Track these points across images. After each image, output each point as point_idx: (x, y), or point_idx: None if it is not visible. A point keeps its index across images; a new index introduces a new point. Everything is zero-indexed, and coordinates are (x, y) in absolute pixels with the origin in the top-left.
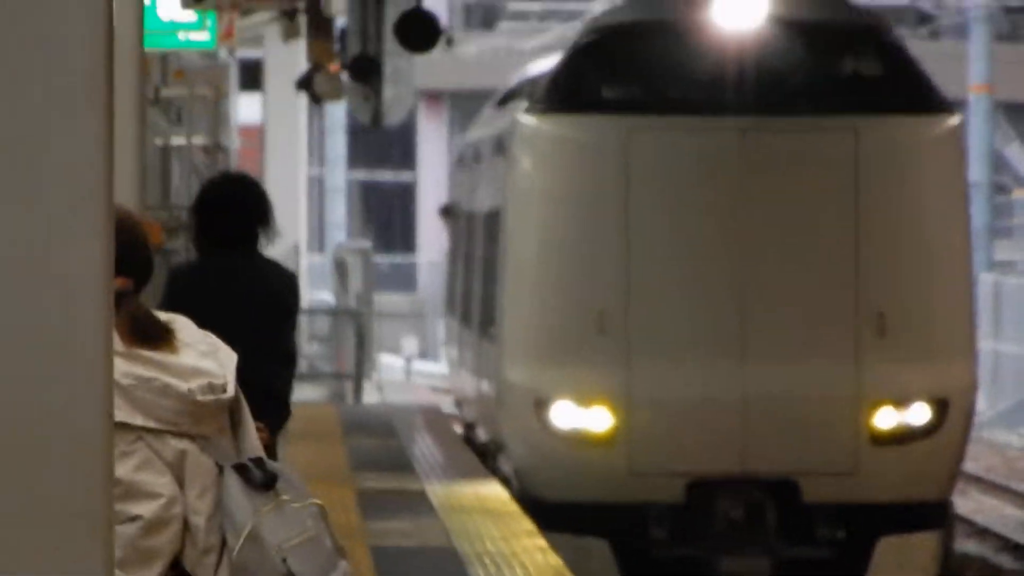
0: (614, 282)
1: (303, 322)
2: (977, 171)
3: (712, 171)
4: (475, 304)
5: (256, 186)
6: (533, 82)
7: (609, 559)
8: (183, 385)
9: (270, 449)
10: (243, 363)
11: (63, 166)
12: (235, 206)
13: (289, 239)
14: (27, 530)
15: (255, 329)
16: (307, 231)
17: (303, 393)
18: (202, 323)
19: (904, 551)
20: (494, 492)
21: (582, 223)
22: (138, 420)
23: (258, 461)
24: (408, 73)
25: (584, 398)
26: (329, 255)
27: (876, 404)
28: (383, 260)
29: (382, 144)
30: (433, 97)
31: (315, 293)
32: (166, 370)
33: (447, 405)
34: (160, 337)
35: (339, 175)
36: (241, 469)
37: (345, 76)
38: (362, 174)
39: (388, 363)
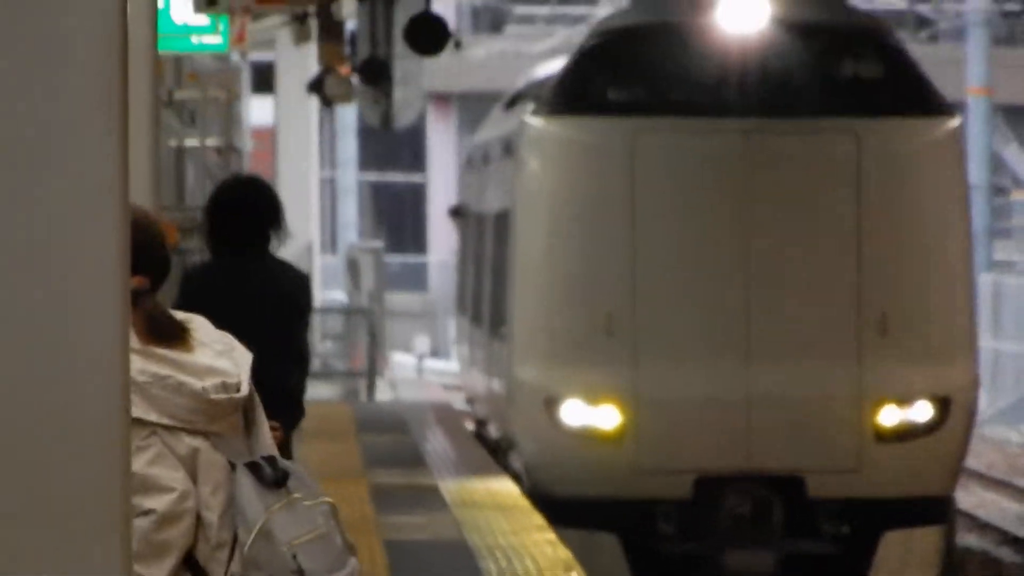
0: (621, 283)
1: (316, 321)
2: (976, 173)
3: (716, 172)
4: (485, 304)
5: (267, 188)
6: (540, 85)
7: (618, 554)
8: (197, 383)
9: (284, 447)
10: (257, 363)
11: (79, 167)
12: (247, 208)
13: (302, 240)
14: (45, 525)
15: (268, 329)
16: (319, 232)
17: (317, 391)
18: (215, 324)
19: (908, 546)
20: (505, 488)
21: (589, 224)
22: (152, 416)
23: (270, 459)
24: (417, 76)
25: (593, 396)
26: (341, 255)
27: (879, 402)
28: (394, 260)
29: (392, 146)
30: (442, 99)
31: (328, 293)
32: (181, 368)
33: (459, 402)
34: (176, 336)
35: (350, 176)
36: (253, 467)
37: (355, 79)
38: (373, 175)
39: (400, 361)
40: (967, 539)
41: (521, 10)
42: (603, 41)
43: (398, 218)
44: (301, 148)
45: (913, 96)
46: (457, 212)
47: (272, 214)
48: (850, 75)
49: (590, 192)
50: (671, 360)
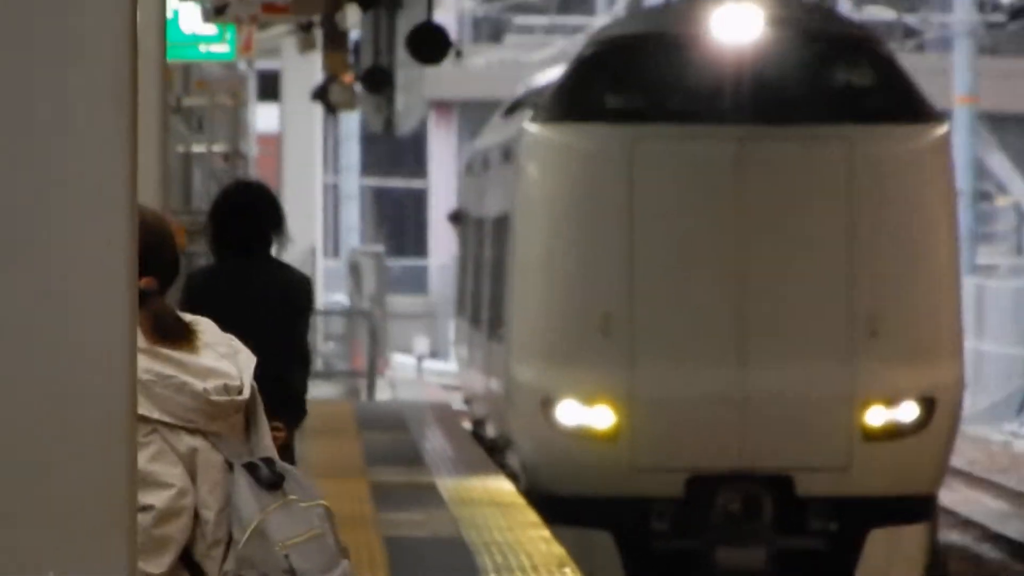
0: (618, 286)
1: (319, 322)
2: (961, 179)
3: (712, 178)
4: (484, 306)
5: (268, 193)
6: (539, 93)
7: (612, 551)
8: (199, 384)
9: (287, 446)
10: (259, 363)
11: (90, 171)
12: (249, 212)
13: (305, 243)
14: (53, 521)
15: (270, 330)
16: (323, 236)
17: (319, 390)
18: (218, 324)
19: (894, 542)
20: (501, 486)
21: (587, 228)
22: (155, 414)
23: (268, 461)
24: (419, 84)
25: (588, 397)
26: (344, 259)
27: (868, 402)
28: (395, 263)
29: (394, 152)
30: (443, 107)
31: (330, 295)
32: (185, 369)
33: (457, 402)
34: (182, 337)
35: (353, 182)
36: (251, 468)
37: (359, 87)
38: (375, 181)
39: (400, 362)
40: (950, 535)
41: (520, 20)
42: (600, 50)
43: (399, 222)
44: (305, 154)
45: (903, 104)
46: (457, 217)
47: (273, 217)
48: (843, 83)
49: (587, 197)
50: (664, 362)
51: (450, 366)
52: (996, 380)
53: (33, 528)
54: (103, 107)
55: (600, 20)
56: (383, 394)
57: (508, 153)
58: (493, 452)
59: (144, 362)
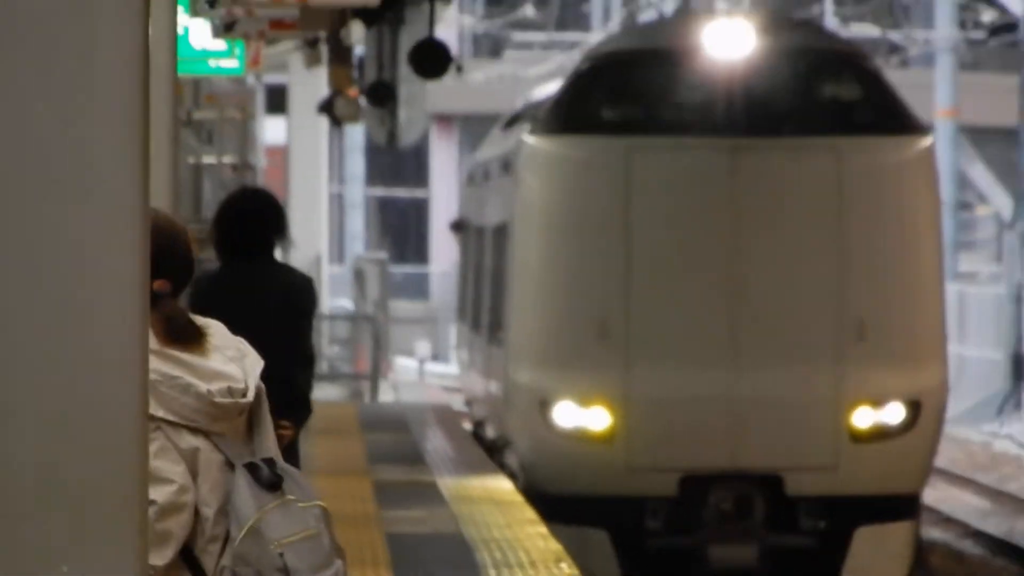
0: (614, 291)
1: (324, 326)
2: (943, 189)
3: (705, 188)
4: (484, 311)
5: (271, 198)
6: (537, 106)
7: (608, 548)
8: (203, 386)
9: (291, 445)
10: (265, 364)
11: (104, 181)
12: (252, 217)
13: (311, 251)
14: (65, 518)
15: (274, 330)
16: (328, 243)
17: (324, 392)
18: (224, 326)
19: (880, 540)
20: (500, 485)
21: (584, 236)
22: (159, 412)
23: (269, 461)
24: (421, 98)
25: (584, 399)
26: (348, 265)
27: (855, 404)
28: (398, 270)
29: (397, 163)
30: (444, 120)
31: (335, 300)
32: (191, 371)
33: (457, 404)
34: (193, 339)
35: (357, 191)
36: (252, 468)
37: (363, 100)
38: (379, 191)
39: (403, 364)
40: (932, 532)
41: (519, 37)
42: (596, 65)
43: (402, 231)
44: (312, 165)
45: (890, 116)
46: (458, 226)
47: (276, 221)
48: (831, 97)
49: (584, 206)
50: (659, 365)
51: (451, 369)
52: (977, 383)
53: (48, 524)
54: (117, 120)
55: (596, 36)
56: (386, 396)
57: (507, 164)
58: (492, 452)
59: (152, 362)
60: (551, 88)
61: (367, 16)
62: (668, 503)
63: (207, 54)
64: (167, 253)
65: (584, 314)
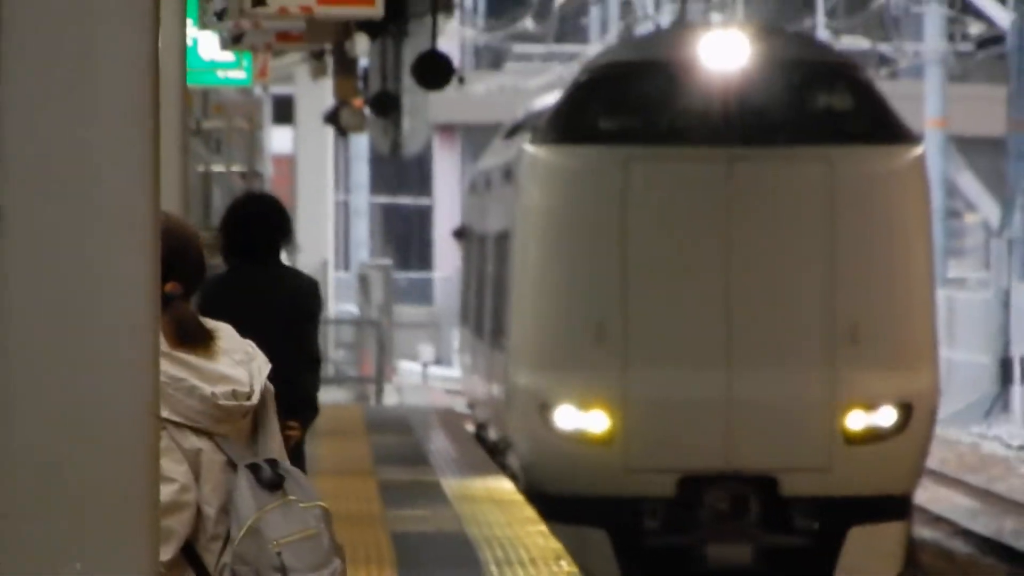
0: (612, 297)
1: (330, 330)
2: (932, 197)
3: (701, 195)
4: (486, 316)
5: (276, 202)
6: (537, 116)
7: (607, 547)
8: (208, 389)
9: (298, 445)
10: (272, 366)
11: (115, 189)
12: (257, 220)
13: (318, 257)
14: (76, 518)
15: (280, 332)
16: (334, 249)
17: (330, 395)
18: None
19: (873, 539)
20: (501, 485)
21: (582, 243)
22: (165, 413)
23: (272, 462)
24: (424, 108)
25: (584, 402)
26: (354, 271)
27: (848, 407)
28: (402, 276)
29: (401, 172)
30: (447, 130)
31: (341, 305)
32: (197, 373)
33: (460, 407)
34: (202, 341)
35: (362, 199)
36: (254, 468)
37: (367, 111)
38: (383, 199)
39: (407, 368)
40: (922, 531)
41: (519, 49)
42: (595, 76)
43: (406, 238)
44: (318, 173)
45: (881, 126)
46: (460, 233)
47: (281, 225)
48: (824, 107)
49: (583, 214)
50: (656, 369)
51: (454, 372)
52: (965, 386)
53: (60, 523)
54: (128, 129)
55: (594, 48)
56: (390, 399)
57: (508, 173)
58: (494, 454)
59: (160, 365)
60: (551, 99)
61: (371, 29)
62: (666, 504)
63: (215, 65)
64: (179, 256)
65: (583, 319)
